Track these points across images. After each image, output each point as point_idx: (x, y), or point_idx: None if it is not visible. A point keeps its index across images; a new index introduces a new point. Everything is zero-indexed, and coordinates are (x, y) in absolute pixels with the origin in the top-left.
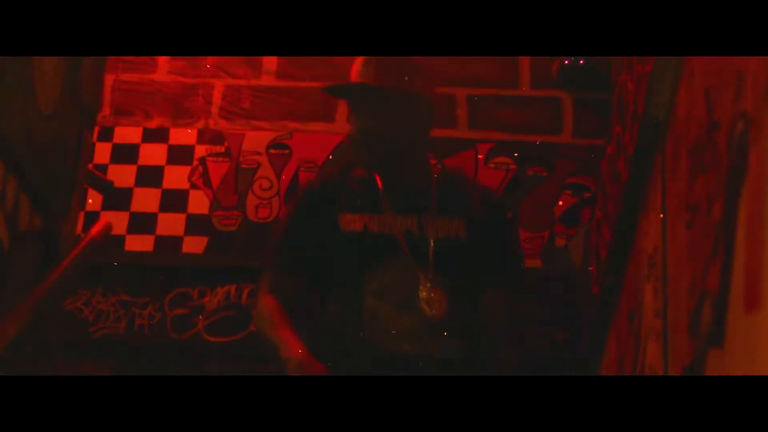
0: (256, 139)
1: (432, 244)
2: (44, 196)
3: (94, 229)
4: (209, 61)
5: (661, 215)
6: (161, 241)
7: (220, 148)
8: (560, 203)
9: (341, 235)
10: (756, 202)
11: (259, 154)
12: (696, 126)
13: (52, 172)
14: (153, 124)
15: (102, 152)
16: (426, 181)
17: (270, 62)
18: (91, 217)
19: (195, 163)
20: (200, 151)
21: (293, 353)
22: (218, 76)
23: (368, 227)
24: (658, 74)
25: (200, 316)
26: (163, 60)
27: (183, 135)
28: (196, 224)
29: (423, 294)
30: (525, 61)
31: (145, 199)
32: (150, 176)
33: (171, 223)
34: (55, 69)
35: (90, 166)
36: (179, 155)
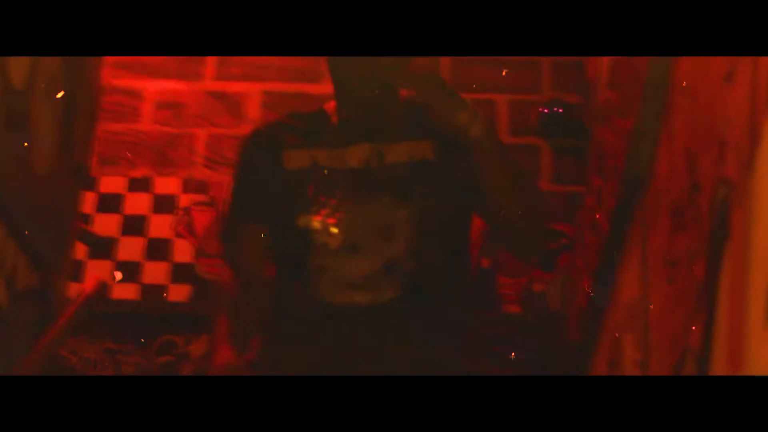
0: None
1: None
2: (42, 256)
3: (88, 288)
4: (191, 111)
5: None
6: (147, 290)
7: (204, 197)
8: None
9: (286, 174)
10: (738, 265)
11: None
12: (677, 185)
13: (49, 232)
14: (137, 173)
15: (87, 202)
16: (390, 110)
17: (252, 110)
18: (77, 267)
19: (179, 212)
20: (184, 200)
21: (220, 360)
22: (201, 125)
23: (317, 163)
24: (639, 130)
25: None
26: (146, 110)
27: (167, 184)
28: (180, 272)
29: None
30: (503, 109)
31: (130, 248)
32: (134, 225)
33: (156, 272)
34: (48, 130)
35: (80, 223)
36: (163, 204)
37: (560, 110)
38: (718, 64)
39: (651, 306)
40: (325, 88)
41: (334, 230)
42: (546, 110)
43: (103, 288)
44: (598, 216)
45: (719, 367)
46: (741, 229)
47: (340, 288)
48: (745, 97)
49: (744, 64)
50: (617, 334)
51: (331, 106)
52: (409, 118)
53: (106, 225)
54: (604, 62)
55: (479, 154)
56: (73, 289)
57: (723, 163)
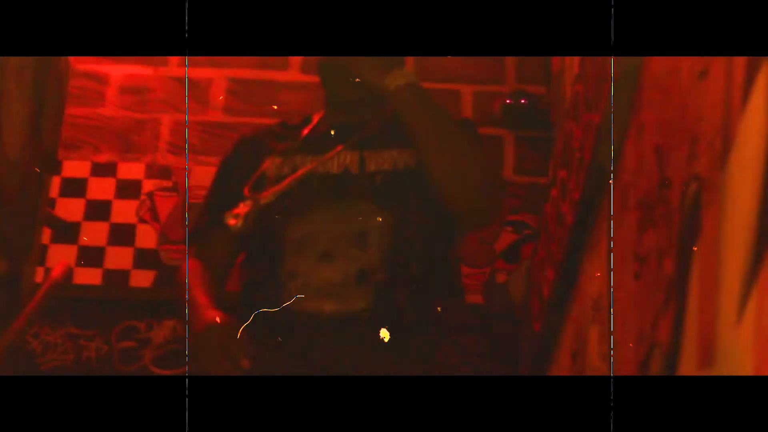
0: (203, 174)
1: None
2: (10, 241)
3: (55, 272)
4: (156, 96)
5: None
6: (109, 275)
7: (168, 183)
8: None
9: (267, 180)
10: (710, 263)
11: (205, 188)
12: (645, 180)
13: (16, 217)
14: (101, 158)
15: (51, 186)
16: (376, 118)
17: (216, 98)
18: (41, 251)
19: (143, 197)
20: (148, 185)
21: (209, 317)
22: (166, 111)
23: (299, 168)
24: (607, 125)
25: (147, 349)
26: (111, 94)
27: (131, 169)
28: (143, 258)
29: None
30: (467, 99)
31: (94, 233)
32: (98, 210)
33: (119, 257)
34: (21, 114)
35: (48, 209)
36: (127, 189)
37: (524, 101)
38: (690, 60)
39: (616, 300)
40: (291, 75)
41: (234, 218)
42: (510, 101)
43: (69, 272)
44: (563, 208)
45: (688, 364)
46: (713, 227)
47: (309, 295)
48: (719, 94)
49: (719, 61)
50: (581, 327)
51: (319, 115)
52: (395, 127)
53: (69, 209)
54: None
55: (399, 104)
56: (41, 274)
57: (695, 159)
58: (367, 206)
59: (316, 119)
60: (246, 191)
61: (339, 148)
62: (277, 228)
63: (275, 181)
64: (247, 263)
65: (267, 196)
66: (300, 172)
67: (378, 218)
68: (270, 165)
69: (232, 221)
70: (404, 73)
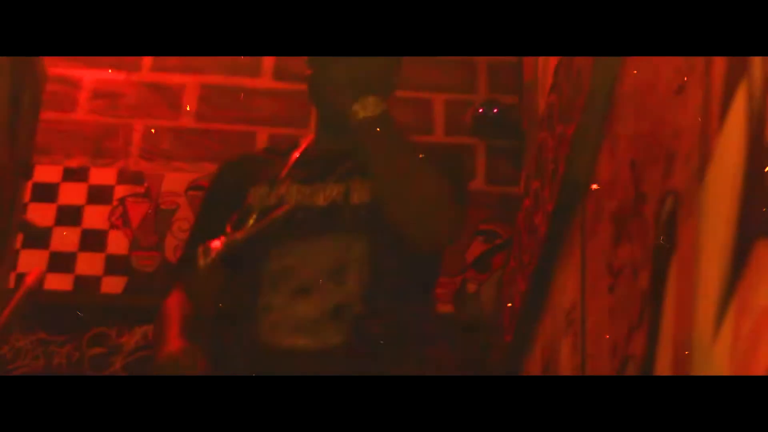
0: (175, 181)
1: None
2: None
3: (29, 279)
4: (129, 101)
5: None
6: (80, 281)
7: (140, 189)
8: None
9: (251, 212)
10: (685, 278)
11: (178, 195)
12: (620, 193)
13: None
14: (73, 163)
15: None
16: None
17: (190, 103)
18: (14, 257)
19: (115, 203)
20: (120, 191)
21: (170, 348)
22: (138, 117)
23: (285, 200)
24: (581, 137)
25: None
26: (83, 98)
27: (103, 175)
28: (115, 264)
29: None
30: (439, 108)
31: (65, 239)
32: (69, 215)
33: (90, 263)
34: None
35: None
36: (99, 195)
37: (496, 111)
38: (667, 75)
39: (589, 313)
40: (263, 82)
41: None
42: (482, 110)
43: (43, 278)
44: (536, 219)
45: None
46: (689, 242)
47: (284, 330)
48: (697, 111)
49: (696, 77)
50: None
51: (307, 141)
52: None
53: (40, 214)
54: (540, 64)
55: (363, 138)
56: (14, 280)
57: (671, 175)
58: (346, 239)
59: (304, 144)
60: (228, 228)
61: (329, 183)
62: (255, 260)
63: (260, 214)
64: (223, 294)
65: (245, 232)
66: (282, 210)
67: None
68: (255, 195)
69: (200, 260)
70: (374, 101)
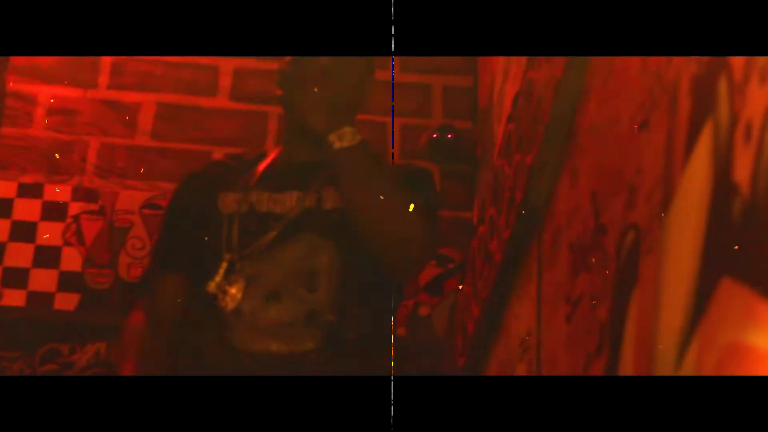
0: (129, 199)
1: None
2: None
3: None
4: (85, 118)
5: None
6: (33, 297)
7: (94, 206)
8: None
9: (222, 217)
10: (646, 311)
11: (132, 213)
12: (579, 224)
13: None
14: (28, 179)
15: None
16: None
17: (145, 122)
18: None
19: (69, 220)
20: (74, 208)
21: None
22: (94, 134)
23: (256, 207)
24: (539, 167)
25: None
26: (39, 115)
27: (57, 191)
28: (68, 281)
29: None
30: (396, 131)
31: (18, 254)
32: (23, 231)
33: (43, 279)
34: None
35: None
36: (53, 211)
37: (450, 136)
38: (631, 110)
39: (545, 341)
40: (219, 102)
41: (233, 291)
42: (436, 135)
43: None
44: (491, 246)
45: None
46: (650, 276)
47: (256, 335)
48: (661, 147)
49: (660, 113)
50: (506, 364)
51: (275, 151)
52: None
53: None
54: (496, 90)
55: (340, 166)
56: None
57: (632, 209)
58: (318, 245)
59: (272, 155)
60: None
61: (300, 190)
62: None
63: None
64: (192, 300)
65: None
66: (266, 238)
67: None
68: (225, 202)
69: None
70: (351, 132)
